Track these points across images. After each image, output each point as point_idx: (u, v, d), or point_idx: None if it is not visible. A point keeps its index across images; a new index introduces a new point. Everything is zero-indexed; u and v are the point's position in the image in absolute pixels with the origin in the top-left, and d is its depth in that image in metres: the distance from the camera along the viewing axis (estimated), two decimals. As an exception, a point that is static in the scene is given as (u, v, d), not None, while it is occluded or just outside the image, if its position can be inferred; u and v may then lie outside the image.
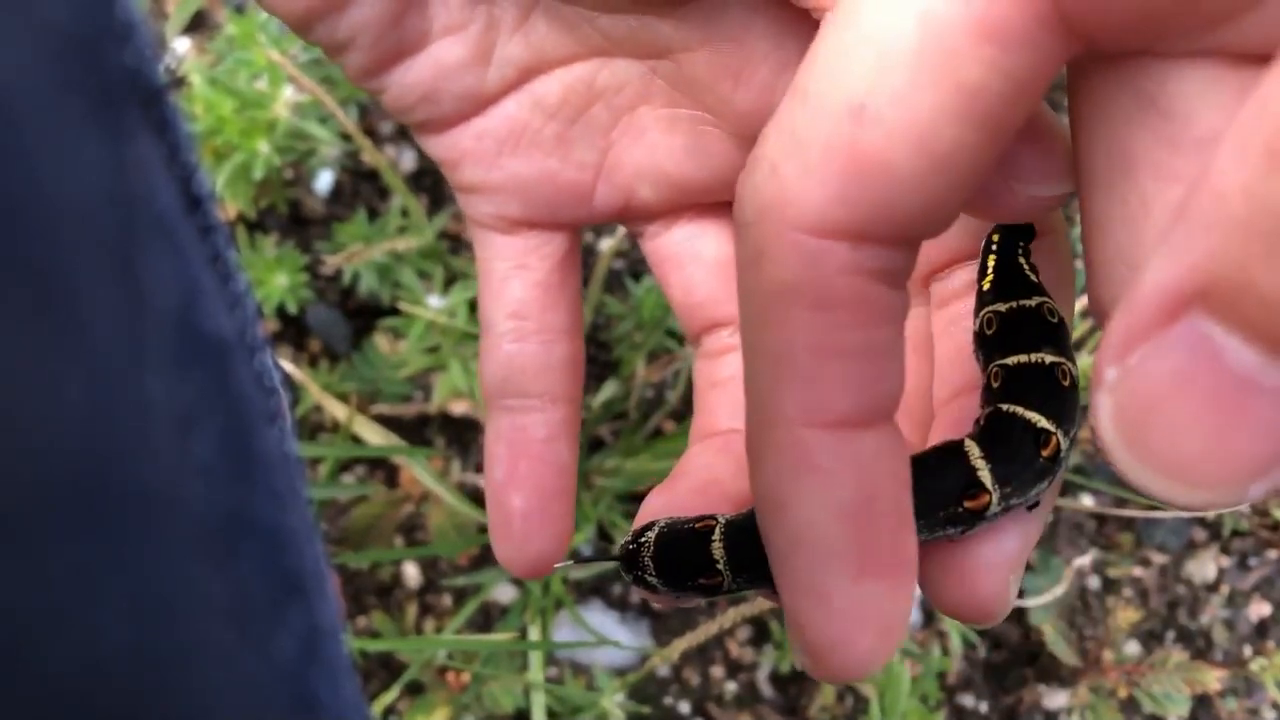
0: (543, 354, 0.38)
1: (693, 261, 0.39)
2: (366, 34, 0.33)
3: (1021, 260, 0.31)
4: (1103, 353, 0.20)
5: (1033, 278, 0.31)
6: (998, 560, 0.29)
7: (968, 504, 0.28)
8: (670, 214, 0.39)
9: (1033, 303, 0.30)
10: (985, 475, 0.28)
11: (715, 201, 0.38)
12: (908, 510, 0.25)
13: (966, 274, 0.34)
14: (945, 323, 0.34)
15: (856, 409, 0.24)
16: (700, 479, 0.35)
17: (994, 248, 0.31)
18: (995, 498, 0.28)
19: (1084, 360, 0.77)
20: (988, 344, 0.31)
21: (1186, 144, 0.22)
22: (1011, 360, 0.30)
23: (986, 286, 0.31)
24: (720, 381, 0.38)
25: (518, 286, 0.38)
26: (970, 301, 0.32)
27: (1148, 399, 0.19)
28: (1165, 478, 0.20)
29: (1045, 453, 0.28)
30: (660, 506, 0.33)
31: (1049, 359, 0.29)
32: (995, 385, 0.30)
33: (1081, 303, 0.84)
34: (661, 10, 0.34)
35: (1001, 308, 0.30)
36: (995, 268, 0.31)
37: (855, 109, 0.22)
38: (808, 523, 0.24)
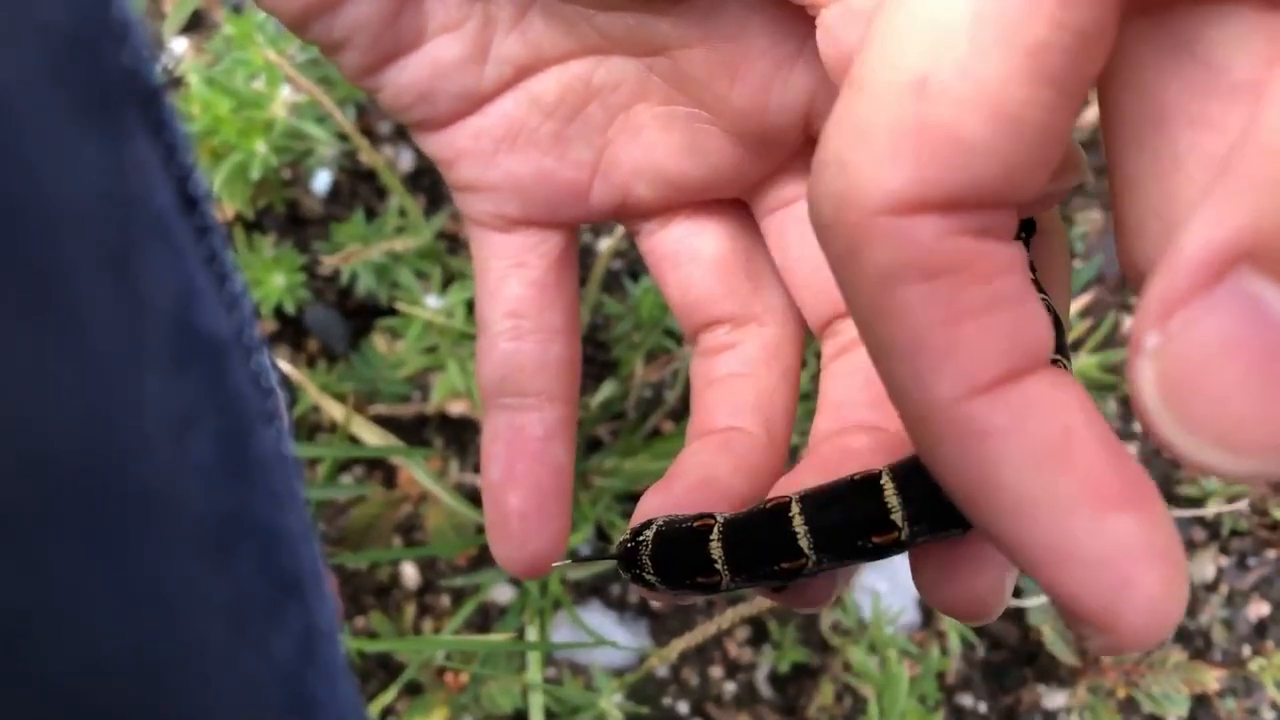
0: (540, 353, 0.38)
1: (690, 259, 0.39)
2: (363, 32, 0.33)
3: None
4: (1142, 317, 0.19)
5: (1031, 275, 0.31)
6: (994, 558, 0.29)
7: None
8: (667, 212, 0.39)
9: None
10: None
11: (712, 199, 0.38)
12: (1111, 436, 0.23)
13: None
14: None
15: (1008, 363, 0.22)
16: (697, 477, 0.34)
17: None
18: None
19: (1084, 360, 0.77)
20: None
21: (1222, 91, 0.22)
22: None
23: None
24: (717, 379, 0.38)
25: (515, 285, 0.38)
26: None
27: (1193, 363, 0.18)
28: (1213, 446, 0.19)
29: None
30: (657, 505, 0.33)
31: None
32: None
33: (1079, 303, 0.84)
34: (659, 8, 0.34)
35: None
36: None
37: (918, 84, 0.21)
38: (1016, 486, 0.22)
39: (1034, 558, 0.22)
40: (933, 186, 0.21)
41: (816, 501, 0.29)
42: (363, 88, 0.36)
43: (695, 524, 0.30)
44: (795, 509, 0.29)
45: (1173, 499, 0.80)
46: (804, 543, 0.29)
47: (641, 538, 0.31)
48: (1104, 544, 0.21)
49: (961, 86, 0.21)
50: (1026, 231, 0.31)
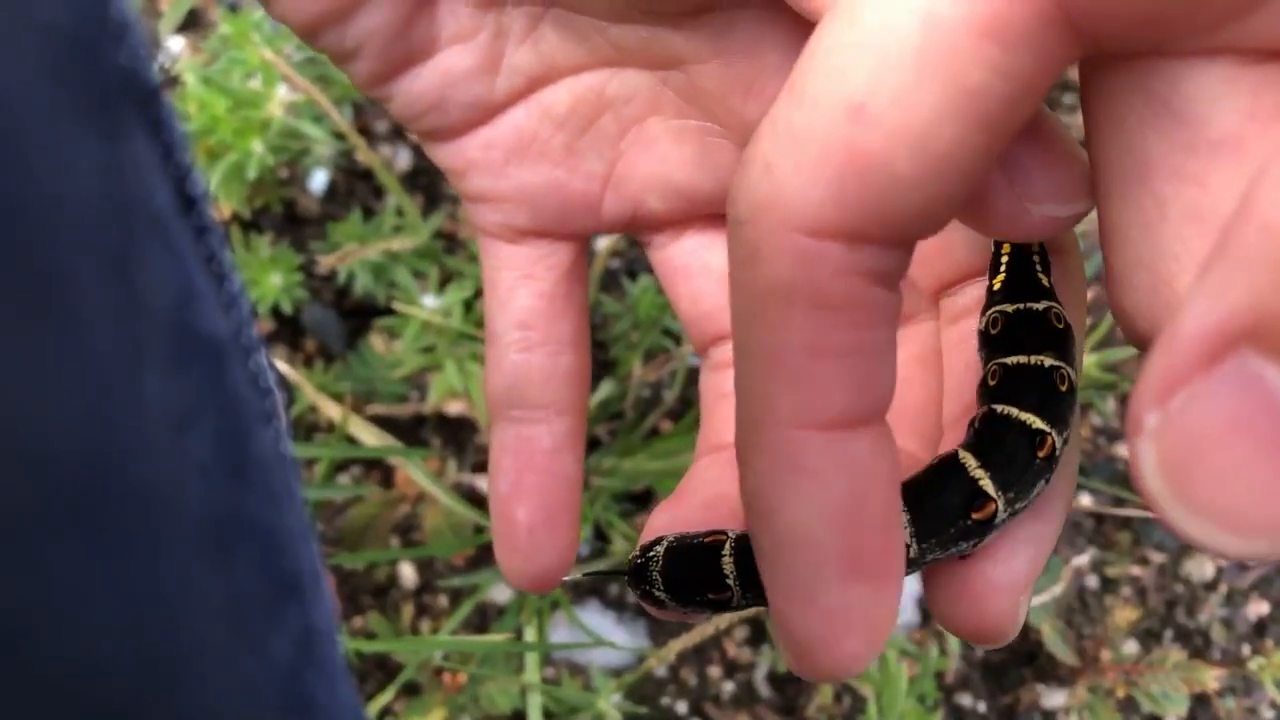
0: (549, 365, 0.38)
1: (701, 273, 0.38)
2: (374, 42, 0.33)
3: (1036, 260, 0.31)
4: (1141, 397, 0.19)
5: (1044, 281, 0.31)
6: (1007, 582, 0.29)
7: (975, 516, 0.28)
8: (678, 225, 0.38)
9: (1040, 306, 0.30)
10: (987, 484, 0.28)
11: (723, 213, 0.38)
12: (896, 512, 0.25)
13: (976, 290, 0.33)
14: (955, 339, 0.34)
15: (849, 410, 0.24)
16: (708, 494, 0.34)
17: (1008, 245, 0.31)
18: (1001, 504, 0.28)
19: (1084, 359, 0.77)
20: (991, 343, 0.30)
21: (1202, 147, 0.22)
22: (1011, 360, 0.29)
23: (997, 286, 0.31)
24: (729, 394, 0.38)
25: (524, 296, 0.38)
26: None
27: (1195, 445, 0.18)
28: (1218, 528, 0.19)
29: (1041, 453, 0.28)
30: (667, 522, 0.33)
31: (1049, 362, 0.29)
32: (992, 383, 0.30)
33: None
34: (674, 21, 0.33)
35: (1009, 308, 0.30)
36: (1008, 267, 0.31)
37: (854, 108, 0.22)
38: (796, 524, 0.24)
39: (780, 584, 0.25)
40: (850, 214, 0.22)
41: None
42: (373, 97, 0.35)
43: (706, 540, 0.30)
44: None
45: (1171, 498, 0.80)
46: None
47: (652, 554, 0.31)
48: (837, 603, 0.24)
49: (895, 118, 0.21)
50: (1040, 255, 0.31)
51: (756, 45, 0.33)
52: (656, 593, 0.31)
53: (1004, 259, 0.31)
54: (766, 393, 0.24)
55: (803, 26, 0.31)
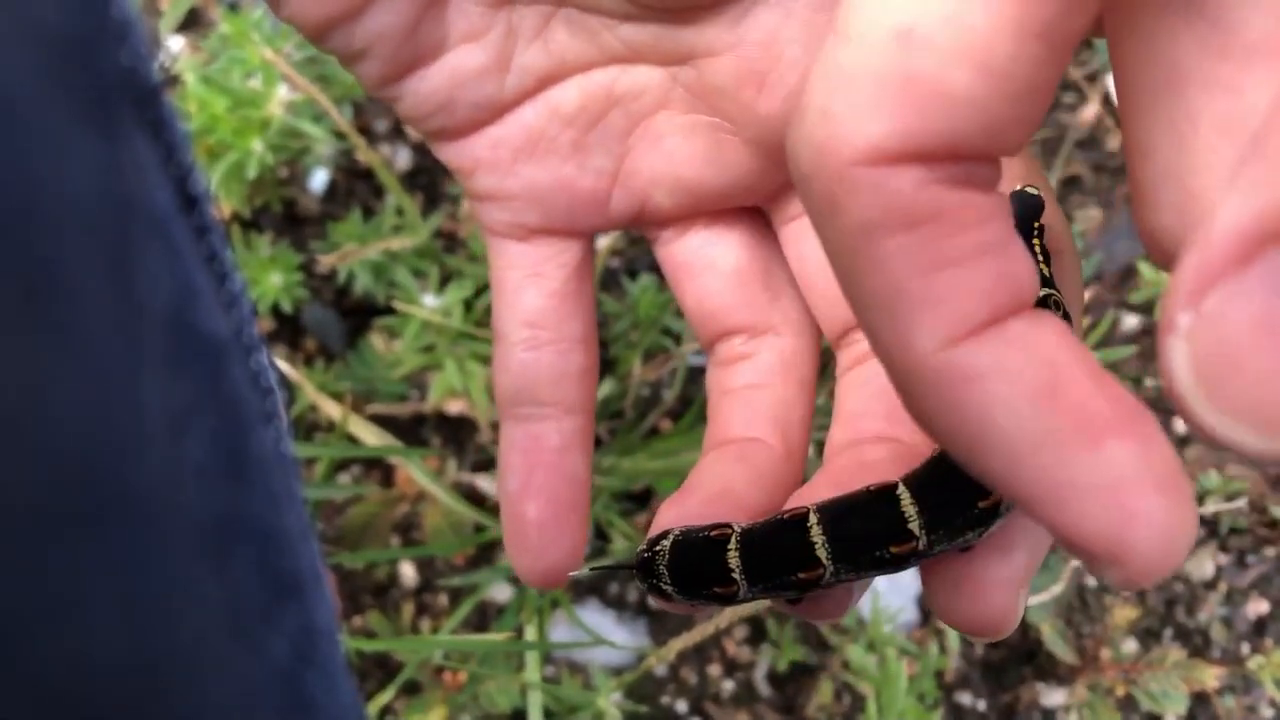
0: (558, 363, 0.38)
1: (707, 269, 0.38)
2: (383, 42, 0.33)
3: (1038, 252, 0.31)
4: (1173, 296, 0.18)
5: (1045, 269, 0.31)
6: (1006, 576, 0.29)
7: (983, 504, 0.28)
8: (685, 220, 0.38)
9: (1040, 294, 0.30)
10: None
11: (730, 208, 0.38)
12: (1098, 367, 0.22)
13: None
14: None
15: (989, 307, 0.22)
16: (714, 489, 0.34)
17: None
18: None
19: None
20: None
21: (1236, 52, 0.21)
22: None
23: None
24: (733, 389, 0.38)
25: (533, 295, 0.38)
26: None
27: (1228, 344, 0.18)
28: (1248, 425, 0.18)
29: None
30: (674, 517, 0.33)
31: None
32: None
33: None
34: (686, 17, 0.33)
35: None
36: None
37: (903, 33, 0.21)
38: (1007, 428, 0.21)
39: (1035, 497, 0.21)
40: (915, 137, 0.21)
41: (834, 512, 0.29)
42: (381, 97, 0.35)
43: (712, 534, 0.30)
44: (813, 519, 0.29)
45: (1171, 497, 0.80)
46: (822, 553, 0.29)
47: (658, 548, 0.31)
48: (1104, 474, 0.21)
49: (947, 37, 0.20)
50: (1036, 215, 0.31)
51: (774, 38, 0.33)
52: (664, 586, 0.31)
53: None
54: (900, 330, 0.22)
55: (823, 17, 0.31)
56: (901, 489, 0.28)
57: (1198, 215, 0.22)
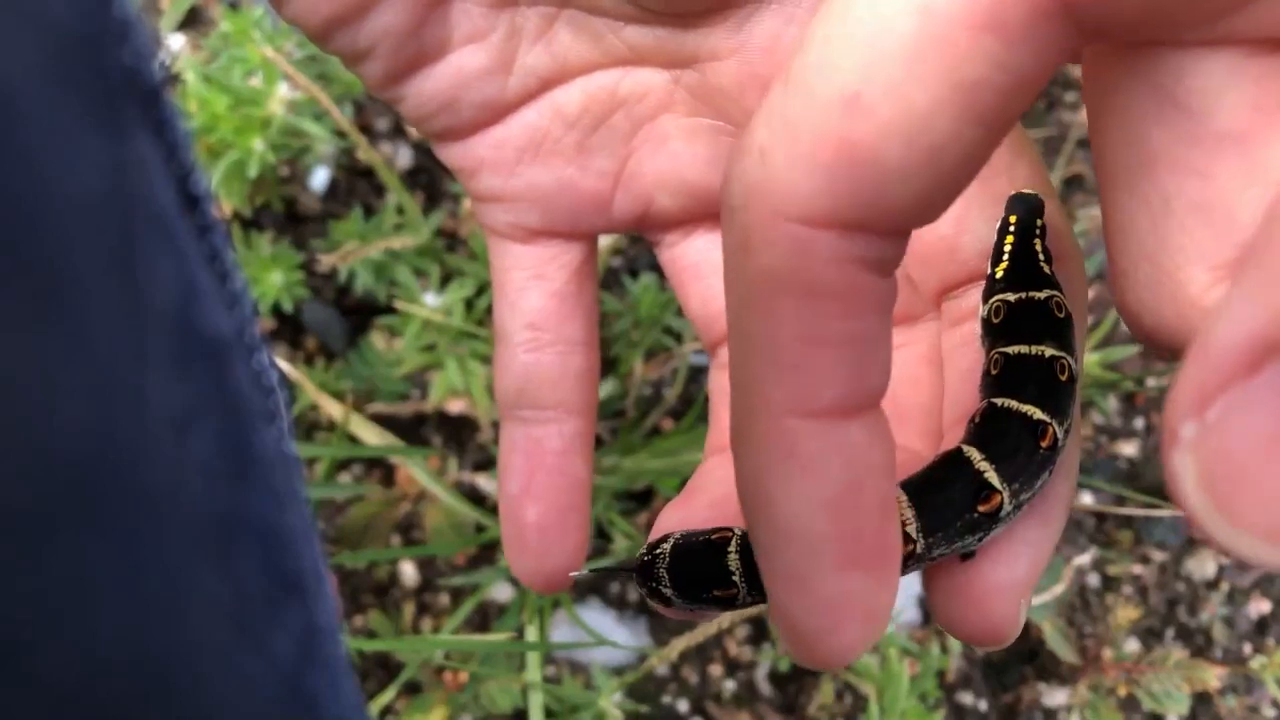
0: (559, 365, 0.38)
1: (711, 272, 0.38)
2: (387, 42, 0.33)
3: (1038, 246, 0.31)
4: (1177, 407, 0.18)
5: (1046, 269, 0.31)
6: (1007, 584, 0.29)
7: (982, 508, 0.28)
8: (689, 223, 0.38)
9: (1042, 295, 0.30)
10: (992, 476, 0.28)
11: None
12: (892, 500, 0.25)
13: (979, 293, 0.33)
14: (956, 342, 0.34)
15: (844, 398, 0.24)
16: (717, 493, 0.34)
17: (1010, 229, 0.31)
18: (1006, 496, 0.28)
19: (1085, 358, 0.77)
20: (993, 331, 0.31)
21: (1207, 139, 0.22)
22: (1012, 349, 0.30)
23: (999, 274, 0.31)
24: None
25: (535, 296, 0.38)
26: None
27: (1235, 457, 0.18)
28: (1262, 541, 0.18)
29: (1044, 444, 0.28)
30: (676, 521, 0.33)
31: (1049, 352, 0.29)
32: (994, 373, 0.30)
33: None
34: (690, 20, 0.33)
35: (1011, 297, 0.30)
36: (1011, 255, 0.31)
37: (849, 99, 0.21)
38: (793, 513, 0.24)
39: (777, 573, 0.25)
40: (842, 203, 0.22)
41: None
42: (384, 98, 0.35)
43: (713, 537, 0.30)
44: None
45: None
46: None
47: (659, 551, 0.31)
48: (834, 591, 0.24)
49: (890, 109, 0.21)
50: (1039, 214, 0.31)
51: (776, 42, 0.33)
52: (664, 590, 0.31)
53: (1007, 247, 0.31)
54: (760, 381, 0.24)
55: None
56: (899, 493, 0.28)
57: (1172, 292, 0.23)
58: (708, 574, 0.30)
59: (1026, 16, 0.21)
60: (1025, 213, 0.31)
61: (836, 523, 0.24)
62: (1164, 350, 0.24)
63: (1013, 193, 0.32)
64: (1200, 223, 0.22)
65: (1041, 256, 0.31)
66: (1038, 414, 0.28)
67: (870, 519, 0.24)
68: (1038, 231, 0.31)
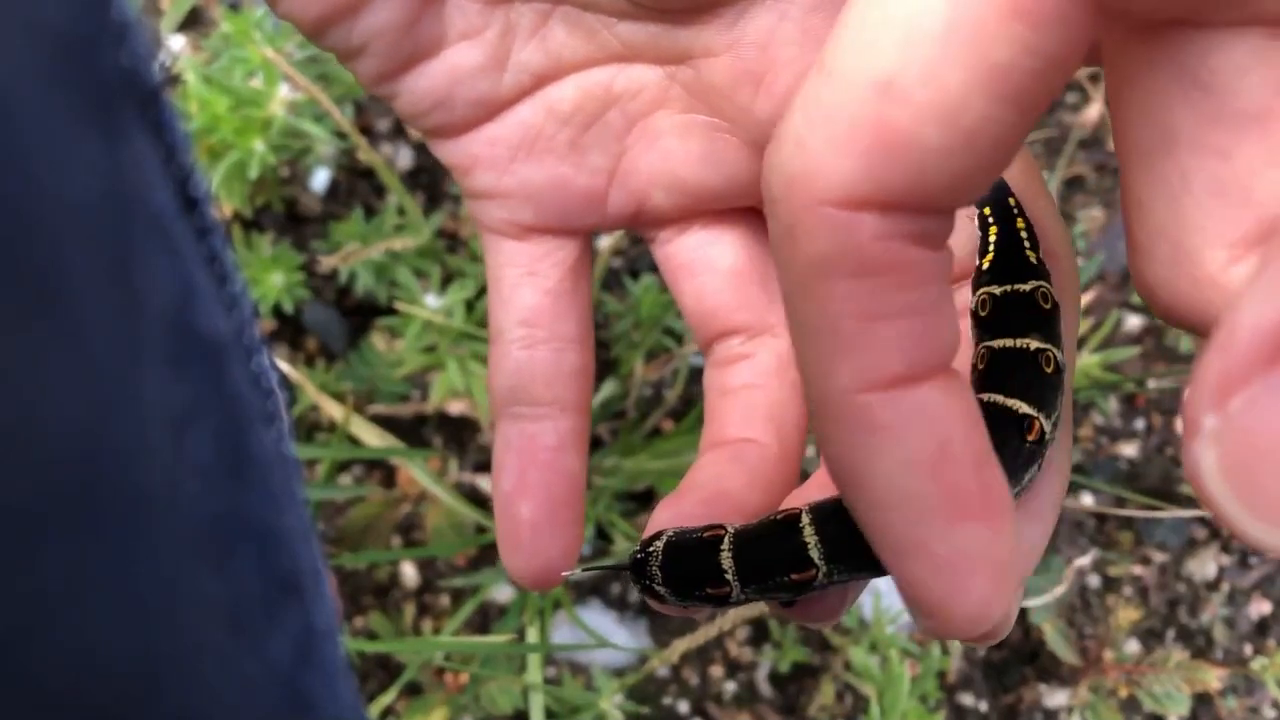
0: (553, 362, 0.38)
1: (706, 269, 0.38)
2: (381, 39, 0.33)
3: (1023, 236, 0.31)
4: (1197, 398, 0.18)
5: (1032, 258, 0.31)
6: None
7: None
8: (683, 220, 0.38)
9: (1027, 287, 0.30)
10: None
11: (728, 208, 0.38)
12: (987, 449, 0.25)
13: (969, 291, 0.33)
14: None
15: (910, 366, 0.24)
16: (710, 490, 0.34)
17: (991, 220, 0.31)
18: None
19: (1086, 359, 0.77)
20: (980, 324, 0.31)
21: (1229, 119, 0.22)
22: (997, 344, 0.30)
23: (985, 265, 0.31)
24: (731, 390, 0.38)
25: (528, 293, 0.38)
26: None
27: (1258, 448, 0.18)
28: None
29: (1030, 438, 0.28)
30: (669, 518, 0.33)
31: (1034, 345, 0.29)
32: (980, 368, 0.30)
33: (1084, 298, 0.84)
34: (684, 17, 0.33)
35: (996, 290, 0.30)
36: (996, 246, 0.31)
37: (883, 84, 0.22)
38: (887, 482, 0.24)
39: (889, 545, 0.24)
40: (881, 186, 0.22)
41: (827, 512, 0.29)
42: (379, 94, 0.35)
43: (705, 534, 0.30)
44: (806, 520, 0.29)
45: (1174, 498, 0.80)
46: (814, 554, 0.29)
47: (651, 549, 0.31)
48: (952, 547, 0.24)
49: (924, 93, 0.21)
50: (1016, 208, 0.31)
51: (769, 39, 0.33)
52: (657, 587, 0.31)
53: (991, 238, 0.31)
54: (826, 364, 0.24)
55: (818, 18, 0.31)
56: None
57: (1190, 271, 0.23)
58: (700, 572, 0.30)
59: (1054, 1, 0.21)
60: (996, 198, 0.31)
61: (933, 480, 0.24)
62: (1182, 326, 0.24)
63: None
64: (1219, 201, 0.22)
65: (1027, 243, 0.31)
66: (1023, 408, 0.28)
67: (967, 472, 0.24)
68: (1016, 210, 0.31)
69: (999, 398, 0.29)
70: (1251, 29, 0.22)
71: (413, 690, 0.71)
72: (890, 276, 0.23)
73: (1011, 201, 0.31)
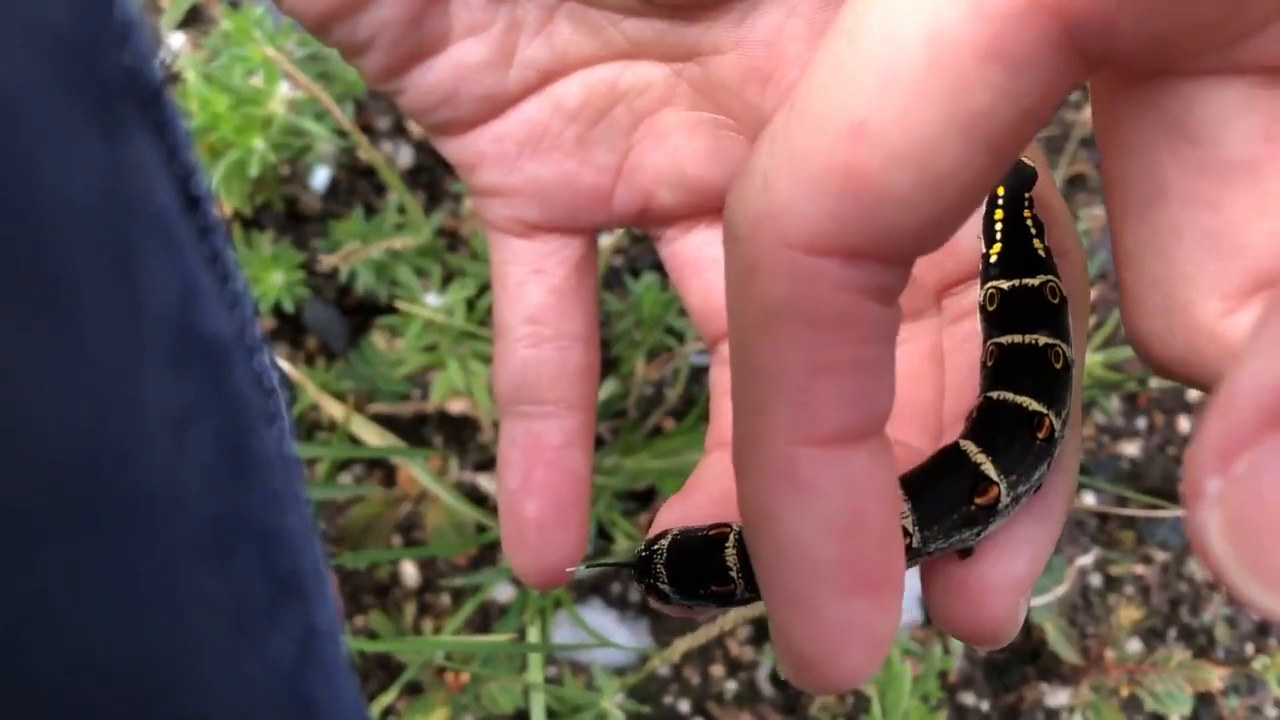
0: (559, 360, 0.38)
1: (712, 267, 0.38)
2: (386, 35, 0.33)
3: (1030, 226, 0.31)
4: (1200, 461, 0.18)
5: (1040, 249, 0.30)
6: (1006, 583, 0.29)
7: (979, 501, 0.28)
8: (689, 218, 0.38)
9: (1036, 282, 0.30)
10: (989, 468, 0.28)
11: None
12: (895, 526, 0.25)
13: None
14: (957, 339, 0.34)
15: (847, 426, 0.24)
16: (717, 489, 0.34)
17: (999, 203, 0.31)
18: (1004, 488, 0.28)
19: (1088, 358, 0.76)
20: (989, 319, 0.31)
21: (1217, 169, 0.22)
22: (1006, 340, 0.30)
23: (994, 257, 0.31)
24: None
25: (534, 291, 0.38)
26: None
27: (1264, 512, 0.17)
28: None
29: (1040, 434, 0.28)
30: (676, 517, 0.33)
31: (1043, 341, 0.29)
32: (989, 364, 0.30)
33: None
34: (691, 14, 0.33)
35: (1004, 285, 0.30)
36: (1003, 236, 0.31)
37: (855, 126, 0.21)
38: (796, 539, 0.24)
39: (780, 597, 0.24)
40: (849, 231, 0.22)
41: None
42: (384, 91, 0.35)
43: (710, 533, 0.30)
44: None
45: (1176, 497, 0.80)
46: None
47: (656, 547, 0.31)
48: (838, 617, 0.24)
49: (897, 138, 0.21)
50: (1027, 186, 0.31)
51: (778, 36, 0.33)
52: (661, 586, 0.31)
53: (998, 226, 0.31)
54: (764, 408, 0.24)
55: (827, 14, 0.31)
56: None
57: (1183, 321, 0.23)
58: (705, 569, 0.30)
59: (1032, 47, 0.21)
60: (1016, 181, 0.31)
61: (839, 549, 0.24)
62: (1176, 378, 0.24)
63: None
64: (1211, 253, 0.22)
65: (1034, 232, 0.31)
66: (1033, 405, 0.28)
67: (872, 544, 0.24)
68: (1026, 202, 0.31)
69: (1009, 395, 0.29)
70: (1237, 77, 0.21)
71: (413, 690, 0.71)
72: (843, 331, 0.23)
73: (1027, 195, 0.31)
